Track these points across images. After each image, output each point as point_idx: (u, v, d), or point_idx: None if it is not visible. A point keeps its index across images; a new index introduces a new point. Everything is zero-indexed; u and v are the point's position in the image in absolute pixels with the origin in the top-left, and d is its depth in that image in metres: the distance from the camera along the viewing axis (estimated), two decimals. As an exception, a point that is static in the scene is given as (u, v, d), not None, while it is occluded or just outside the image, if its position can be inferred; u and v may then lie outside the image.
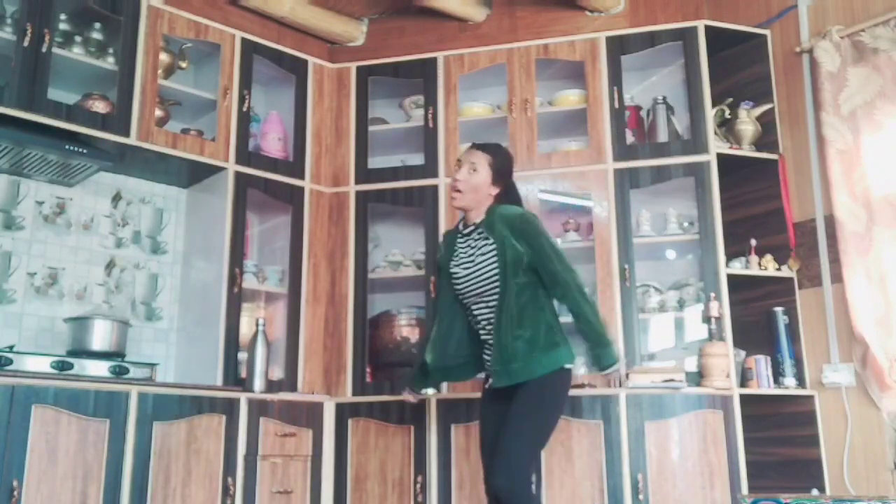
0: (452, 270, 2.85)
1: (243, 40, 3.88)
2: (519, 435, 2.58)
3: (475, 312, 2.82)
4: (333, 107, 4.17)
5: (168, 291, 3.88)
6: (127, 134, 3.43)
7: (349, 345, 3.86)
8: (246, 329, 3.66)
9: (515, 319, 2.66)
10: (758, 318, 3.71)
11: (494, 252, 2.72)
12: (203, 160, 3.67)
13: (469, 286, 2.79)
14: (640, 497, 3.26)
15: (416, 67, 4.09)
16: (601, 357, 2.69)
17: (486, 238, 2.76)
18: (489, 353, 2.78)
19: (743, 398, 3.43)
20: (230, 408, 3.33)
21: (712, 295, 3.52)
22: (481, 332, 2.83)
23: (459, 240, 2.88)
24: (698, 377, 3.48)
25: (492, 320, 2.74)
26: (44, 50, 3.24)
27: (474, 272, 2.77)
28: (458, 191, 2.80)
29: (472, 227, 2.84)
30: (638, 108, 3.99)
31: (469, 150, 2.88)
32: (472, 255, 2.80)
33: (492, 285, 2.73)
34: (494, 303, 2.73)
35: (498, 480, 2.54)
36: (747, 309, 3.71)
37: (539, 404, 2.63)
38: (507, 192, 2.87)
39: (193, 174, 3.84)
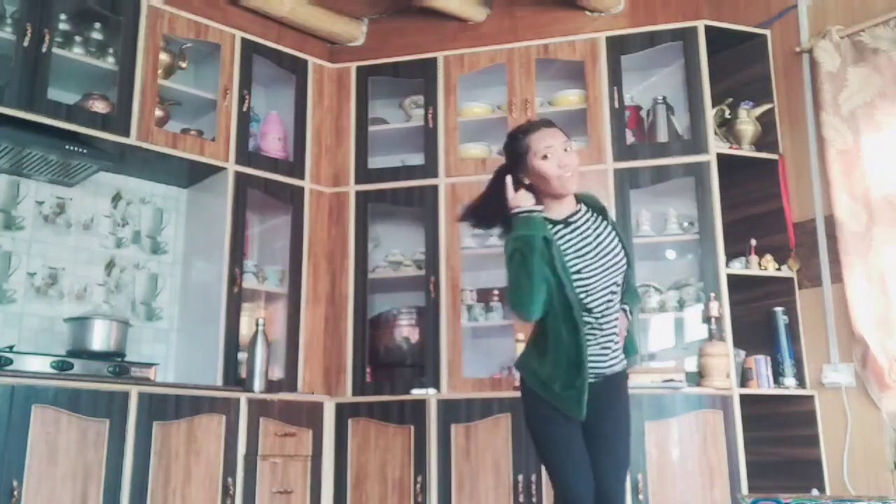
0: (579, 266, 2.32)
1: (243, 40, 3.88)
2: (628, 436, 2.44)
3: (599, 305, 2.36)
4: (333, 107, 4.16)
5: (168, 291, 3.88)
6: (127, 134, 3.43)
7: (349, 345, 3.85)
8: (246, 329, 3.66)
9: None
10: (758, 318, 3.71)
11: (614, 234, 2.41)
12: (203, 160, 3.67)
13: (601, 276, 2.34)
14: (640, 497, 3.26)
15: (416, 67, 4.09)
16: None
17: (597, 219, 2.42)
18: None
19: (743, 398, 3.43)
20: (230, 408, 3.33)
21: (712, 295, 3.51)
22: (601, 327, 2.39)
23: (564, 230, 2.36)
24: (698, 377, 3.48)
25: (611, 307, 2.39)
26: (44, 50, 3.24)
27: (607, 258, 2.36)
28: (571, 174, 2.36)
29: (574, 213, 2.40)
30: (638, 108, 3.99)
31: (554, 129, 2.41)
32: (595, 240, 2.38)
33: (620, 270, 2.39)
34: (616, 290, 2.39)
35: (618, 485, 2.37)
36: (747, 309, 3.70)
37: (628, 402, 2.49)
38: None
39: (193, 174, 3.84)
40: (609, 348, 2.40)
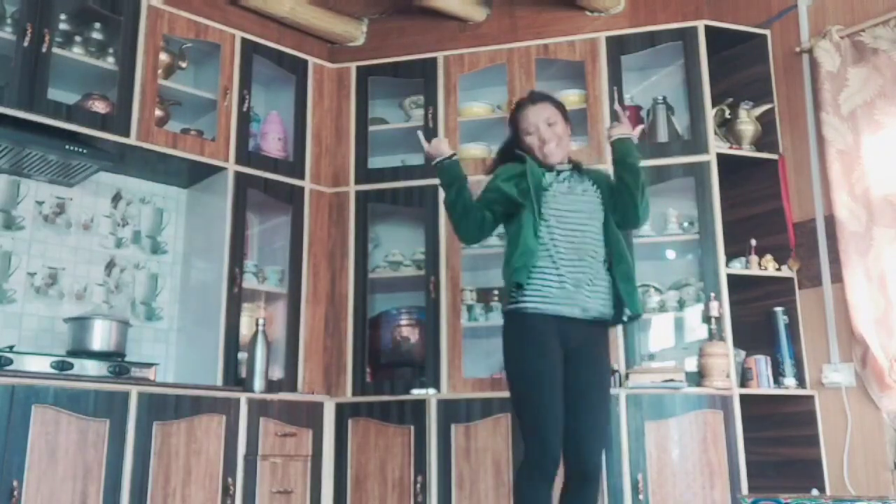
0: (547, 186, 2.71)
1: (243, 40, 3.88)
2: (608, 404, 2.65)
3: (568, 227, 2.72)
4: (333, 107, 4.16)
5: (168, 291, 3.88)
6: (127, 134, 3.43)
7: (349, 345, 3.85)
8: (246, 329, 3.66)
9: None
10: (758, 318, 3.71)
11: (595, 188, 2.73)
12: (203, 160, 3.67)
13: (570, 207, 2.71)
14: (640, 497, 3.26)
15: (416, 67, 4.09)
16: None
17: (582, 177, 2.75)
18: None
19: (743, 398, 3.43)
20: (230, 408, 3.33)
21: (712, 295, 3.52)
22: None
23: (549, 173, 2.73)
24: (698, 377, 3.48)
25: None
26: (44, 50, 3.24)
27: (577, 197, 2.72)
28: (558, 146, 2.69)
29: (562, 167, 2.74)
30: (638, 108, 3.99)
31: (539, 106, 2.74)
32: (574, 187, 2.73)
33: (594, 213, 2.72)
34: None
35: (598, 460, 2.56)
36: (747, 309, 3.70)
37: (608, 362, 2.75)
38: None
39: (193, 174, 3.84)
40: (590, 277, 2.58)
